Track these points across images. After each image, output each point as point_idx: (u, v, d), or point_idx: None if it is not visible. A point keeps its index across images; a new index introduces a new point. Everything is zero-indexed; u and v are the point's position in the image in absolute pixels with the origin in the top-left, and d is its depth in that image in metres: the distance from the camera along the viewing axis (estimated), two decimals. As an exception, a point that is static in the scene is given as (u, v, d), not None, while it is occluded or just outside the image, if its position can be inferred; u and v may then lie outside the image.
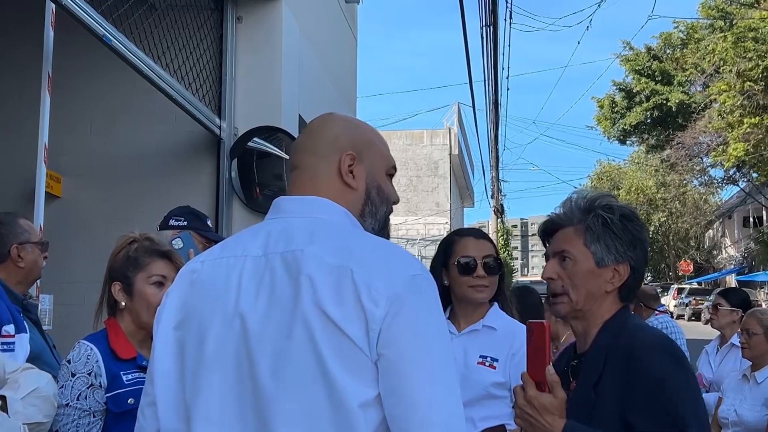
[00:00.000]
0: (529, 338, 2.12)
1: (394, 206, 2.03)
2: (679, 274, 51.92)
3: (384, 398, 1.62)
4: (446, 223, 33.60)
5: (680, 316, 41.33)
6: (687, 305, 41.56)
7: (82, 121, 6.90)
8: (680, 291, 44.63)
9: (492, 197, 36.01)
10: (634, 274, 2.23)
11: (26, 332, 3.27)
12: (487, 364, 3.18)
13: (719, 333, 5.97)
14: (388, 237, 1.97)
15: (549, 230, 2.35)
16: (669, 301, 43.56)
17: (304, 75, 7.64)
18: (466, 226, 52.69)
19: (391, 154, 2.03)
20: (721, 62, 28.72)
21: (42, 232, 4.37)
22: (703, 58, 31.97)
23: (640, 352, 2.06)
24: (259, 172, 6.75)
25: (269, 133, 6.72)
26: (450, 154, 36.52)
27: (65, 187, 6.96)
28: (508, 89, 45.30)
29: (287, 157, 6.79)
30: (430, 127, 38.57)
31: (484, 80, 19.67)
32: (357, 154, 1.90)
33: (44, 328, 3.85)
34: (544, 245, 2.37)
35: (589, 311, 2.23)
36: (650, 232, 52.48)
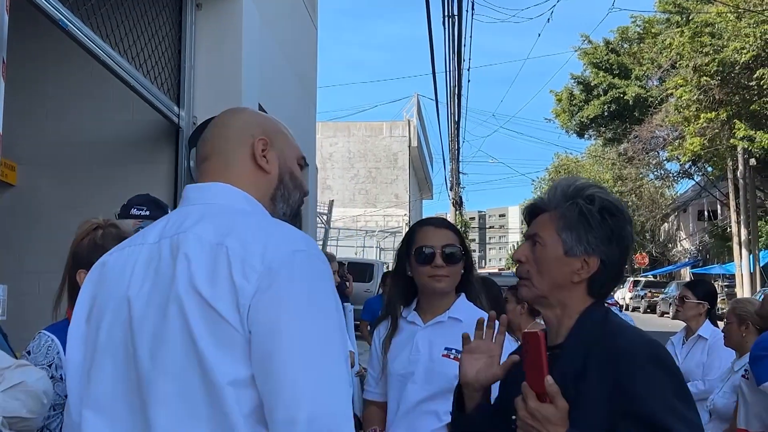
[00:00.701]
0: (525, 348, 2.09)
1: (305, 197, 2.04)
2: (635, 266, 52.49)
3: (255, 376, 1.61)
4: (405, 215, 33.62)
5: (636, 308, 41.82)
6: (643, 297, 42.08)
7: (37, 107, 6.78)
8: (636, 283, 45.16)
9: (451, 189, 36.11)
10: (606, 269, 2.17)
11: None
12: (452, 356, 3.11)
13: (685, 325, 6.01)
14: (299, 227, 1.96)
15: (531, 214, 2.32)
16: (625, 293, 44.08)
17: (264, 63, 7.58)
18: (425, 217, 52.80)
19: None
20: (678, 57, 29.00)
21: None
22: (660, 53, 32.26)
23: (626, 358, 2.00)
24: (218, 161, 6.66)
25: (229, 121, 6.64)
26: (409, 146, 36.54)
27: (20, 176, 6.84)
28: (468, 81, 45.43)
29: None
30: (389, 119, 38.62)
31: (446, 72, 19.69)
32: (269, 140, 1.93)
33: (-2, 318, 3.76)
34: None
35: (556, 300, 2.19)
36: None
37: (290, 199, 1.96)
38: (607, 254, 2.16)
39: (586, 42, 41.29)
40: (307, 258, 1.67)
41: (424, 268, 3.22)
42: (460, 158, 35.09)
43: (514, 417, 2.08)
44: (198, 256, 1.66)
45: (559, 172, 55.00)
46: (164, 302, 1.66)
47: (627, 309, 40.48)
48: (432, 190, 47.67)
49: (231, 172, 1.89)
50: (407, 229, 3.44)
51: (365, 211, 33.48)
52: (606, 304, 2.30)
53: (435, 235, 3.27)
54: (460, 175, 35.99)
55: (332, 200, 19.47)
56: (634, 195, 47.60)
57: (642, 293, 42.64)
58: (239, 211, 1.81)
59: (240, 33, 6.75)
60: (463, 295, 3.31)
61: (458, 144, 31.74)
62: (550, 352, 2.12)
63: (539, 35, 33.29)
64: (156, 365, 1.65)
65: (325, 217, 17.77)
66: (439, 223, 3.38)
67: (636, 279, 46.99)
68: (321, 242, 15.56)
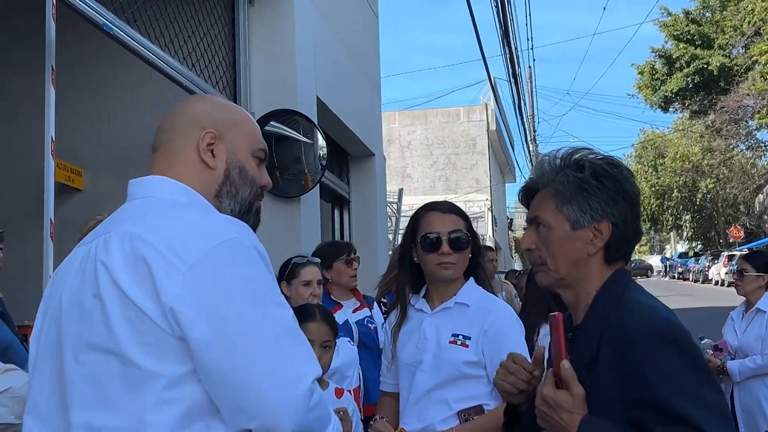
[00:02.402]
0: (550, 332, 2.00)
1: (264, 190, 1.98)
2: (730, 240, 50.97)
3: (204, 385, 1.57)
4: (486, 199, 33.31)
5: (731, 284, 40.62)
6: (738, 272, 40.75)
7: (99, 113, 6.92)
8: (731, 258, 43.84)
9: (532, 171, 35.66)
10: (619, 230, 2.04)
11: None
12: (459, 342, 3.04)
13: (744, 299, 5.77)
14: (256, 222, 1.92)
15: (528, 194, 2.21)
16: (720, 268, 42.85)
17: (321, 56, 7.57)
18: (508, 201, 52.33)
19: (257, 140, 1.98)
20: (762, 22, 28.03)
21: (53, 226, 4.35)
22: (743, 19, 31.23)
23: (637, 339, 1.87)
24: (278, 156, 6.70)
25: (286, 116, 6.68)
26: (488, 130, 36.20)
27: (87, 180, 6.99)
28: (534, 60, 44.68)
29: (306, 140, 6.75)
30: (466, 103, 38.31)
31: (502, 54, 19.26)
32: (218, 133, 1.87)
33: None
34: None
35: (575, 279, 2.06)
36: (697, 200, 51.78)
37: (238, 195, 1.89)
38: (617, 215, 2.04)
39: (664, 14, 40.23)
40: (233, 247, 1.63)
41: (430, 256, 3.13)
42: (537, 139, 34.67)
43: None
44: (120, 255, 1.62)
45: (645, 147, 53.86)
46: (88, 303, 1.63)
47: (722, 284, 39.31)
48: (514, 173, 47.12)
49: (175, 165, 1.85)
50: (415, 214, 3.33)
51: (446, 197, 33.18)
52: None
53: (441, 220, 3.17)
54: (540, 157, 35.45)
55: (401, 189, 19.36)
56: (724, 167, 46.26)
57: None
58: (174, 203, 1.77)
59: (293, 26, 6.76)
60: (471, 279, 3.22)
61: (524, 126, 31.30)
62: (571, 334, 2.03)
63: (604, 9, 32.63)
64: (79, 368, 1.62)
65: (395, 206, 17.69)
66: (445, 207, 3.26)
67: (731, 253, 45.62)
68: (392, 231, 15.49)
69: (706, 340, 5.79)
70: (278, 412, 1.53)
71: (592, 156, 2.11)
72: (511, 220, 51.82)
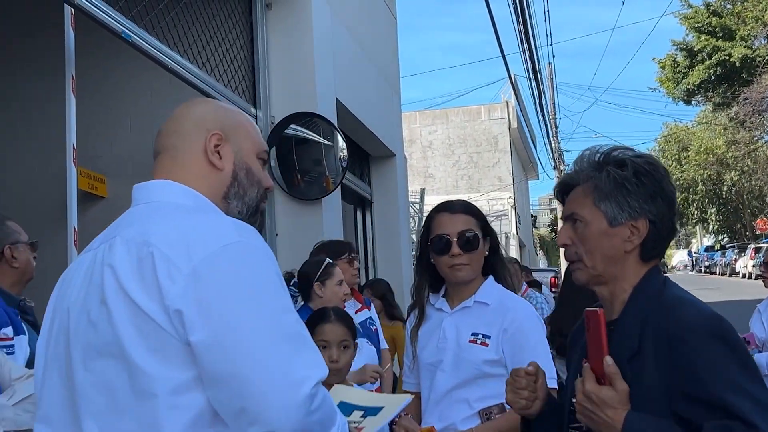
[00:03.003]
0: (586, 327, 1.99)
1: (267, 192, 1.97)
2: (756, 233, 50.53)
3: (208, 389, 1.56)
4: (510, 197, 33.19)
5: (759, 276, 40.22)
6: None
7: (119, 120, 6.97)
8: (758, 250, 43.40)
9: (555, 168, 35.50)
10: (657, 228, 2.06)
11: (25, 334, 3.27)
12: (478, 341, 3.03)
13: None
14: (261, 224, 1.92)
15: (564, 191, 2.21)
16: (747, 261, 42.47)
17: (340, 58, 7.58)
18: (532, 199, 52.02)
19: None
20: (784, 12, 27.78)
21: (77, 234, 4.38)
22: (765, 10, 30.94)
23: (684, 335, 1.87)
24: (299, 159, 6.73)
25: (306, 119, 6.71)
26: (509, 128, 36.06)
27: (110, 188, 7.03)
28: (553, 56, 44.59)
29: (326, 141, 6.76)
30: (487, 101, 38.19)
31: (520, 51, 19.16)
32: (224, 134, 1.87)
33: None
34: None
35: (611, 275, 2.07)
36: (723, 192, 51.37)
37: (246, 196, 1.90)
38: (655, 212, 2.05)
39: (685, 6, 39.94)
40: (238, 250, 1.62)
41: (442, 258, 3.11)
42: (560, 135, 34.52)
43: (574, 399, 1.99)
44: (125, 260, 1.62)
45: (669, 141, 53.53)
46: (95, 309, 1.63)
47: (749, 277, 38.95)
48: (537, 170, 46.92)
49: (180, 168, 1.85)
50: (428, 215, 3.30)
51: (469, 196, 33.18)
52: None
53: (450, 221, 3.14)
54: (564, 153, 35.39)
55: (423, 189, 19.35)
56: (749, 159, 45.83)
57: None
58: (178, 207, 1.76)
59: (310, 29, 6.77)
60: (491, 277, 3.20)
61: (546, 122, 31.12)
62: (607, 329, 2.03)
63: (623, 3, 32.34)
64: (88, 375, 1.62)
65: (417, 206, 17.68)
66: (456, 207, 3.21)
67: (757, 246, 45.19)
68: (414, 231, 15.49)
69: (733, 334, 5.72)
70: (277, 416, 1.51)
71: (631, 153, 2.12)
72: (535, 217, 51.65)
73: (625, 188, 2.05)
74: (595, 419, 1.92)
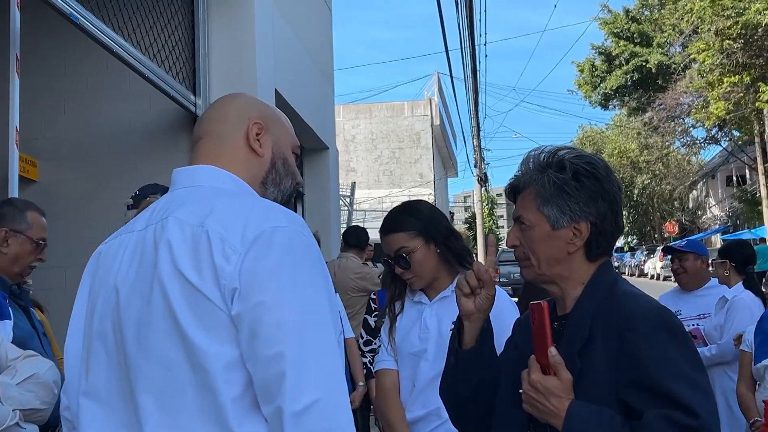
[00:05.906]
0: (532, 320, 2.06)
1: (298, 187, 2.03)
2: (665, 235, 52.03)
3: (245, 359, 1.59)
4: (430, 194, 33.49)
5: (667, 278, 41.37)
6: (673, 266, 41.36)
7: (55, 103, 6.81)
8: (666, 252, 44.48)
9: (475, 166, 35.95)
10: (599, 229, 2.12)
11: (9, 319, 3.17)
12: None
13: None
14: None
15: (513, 193, 2.27)
16: (655, 263, 43.67)
17: (279, 49, 7.56)
18: (450, 196, 52.45)
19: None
20: (699, 21, 28.63)
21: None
22: (682, 18, 31.83)
23: (633, 323, 1.96)
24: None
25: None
26: (432, 125, 36.39)
27: (41, 171, 6.87)
28: (486, 56, 45.24)
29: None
30: (410, 98, 38.48)
31: (460, 48, 19.49)
32: (265, 124, 1.94)
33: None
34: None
35: (557, 275, 2.15)
36: (634, 195, 52.71)
37: (281, 185, 1.96)
38: (596, 214, 2.12)
39: (605, 11, 40.88)
40: (288, 233, 1.65)
41: (396, 273, 3.27)
42: (482, 134, 34.94)
43: (521, 390, 2.05)
44: (179, 240, 1.65)
45: (584, 144, 54.65)
46: (148, 288, 1.66)
47: (658, 278, 40.06)
48: (457, 168, 47.46)
49: (222, 152, 1.90)
50: None
51: (390, 191, 33.43)
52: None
53: (386, 243, 3.27)
54: (485, 152, 35.83)
55: (354, 182, 19.43)
56: (660, 163, 47.18)
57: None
58: (224, 191, 1.80)
59: (252, 19, 6.73)
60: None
61: (478, 121, 31.54)
62: (557, 323, 2.11)
63: (555, 6, 33.03)
64: (141, 351, 1.65)
65: (348, 199, 17.75)
66: (387, 227, 3.29)
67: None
68: (345, 224, 15.56)
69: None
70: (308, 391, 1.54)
71: (573, 155, 2.17)
72: (452, 214, 52.14)
73: (566, 192, 2.10)
74: (540, 408, 1.99)
